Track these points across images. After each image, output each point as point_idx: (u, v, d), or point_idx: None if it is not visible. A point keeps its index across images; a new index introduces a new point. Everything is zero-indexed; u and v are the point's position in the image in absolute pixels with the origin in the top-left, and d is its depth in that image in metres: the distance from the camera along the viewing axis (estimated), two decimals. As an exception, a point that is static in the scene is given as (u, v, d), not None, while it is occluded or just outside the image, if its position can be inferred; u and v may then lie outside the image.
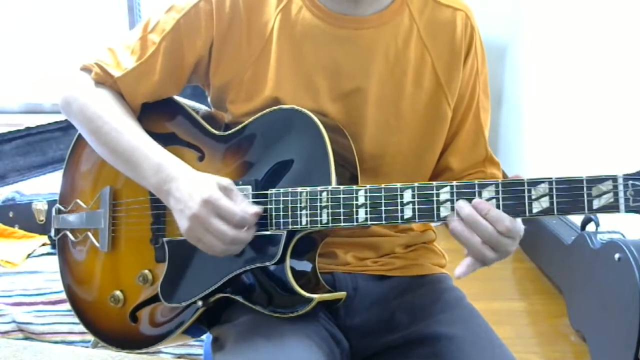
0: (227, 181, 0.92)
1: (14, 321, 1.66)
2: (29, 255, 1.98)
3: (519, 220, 0.86)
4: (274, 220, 0.93)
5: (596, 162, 2.33)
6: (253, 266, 0.94)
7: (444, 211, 0.85)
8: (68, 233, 1.17)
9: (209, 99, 1.11)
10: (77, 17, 3.43)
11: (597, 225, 2.15)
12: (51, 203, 2.13)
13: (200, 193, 0.89)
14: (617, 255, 1.83)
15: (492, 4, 3.30)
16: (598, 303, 1.97)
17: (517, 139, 3.39)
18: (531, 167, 3.16)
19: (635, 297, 1.71)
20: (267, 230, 0.93)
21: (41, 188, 2.25)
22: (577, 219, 2.32)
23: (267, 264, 0.93)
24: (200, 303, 0.99)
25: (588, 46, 2.46)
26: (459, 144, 1.09)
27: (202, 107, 1.12)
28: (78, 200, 1.16)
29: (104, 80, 1.04)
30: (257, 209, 0.91)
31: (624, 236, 2.00)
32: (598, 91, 2.36)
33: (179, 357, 1.57)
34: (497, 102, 3.64)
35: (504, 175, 3.25)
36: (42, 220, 2.15)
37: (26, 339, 1.64)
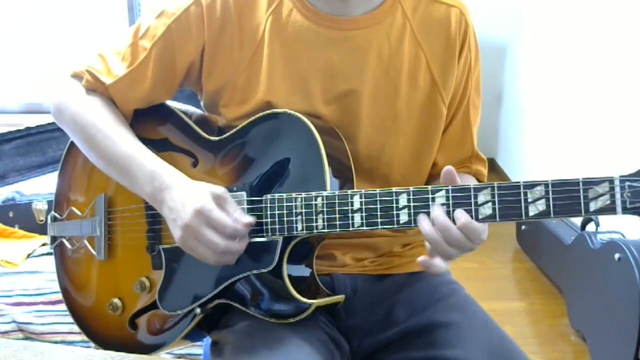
0: (220, 189, 0.92)
1: (14, 321, 1.66)
2: (29, 255, 1.97)
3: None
4: (269, 227, 0.92)
5: (596, 162, 2.33)
6: (250, 273, 0.94)
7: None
8: (64, 241, 1.17)
9: (201, 103, 1.10)
10: (77, 17, 3.43)
11: (597, 225, 2.15)
12: (51, 203, 2.12)
13: (192, 203, 0.89)
14: (617, 255, 1.83)
15: (492, 4, 3.30)
16: (598, 303, 1.97)
17: (517, 139, 3.39)
18: (531, 167, 3.16)
19: (635, 297, 1.71)
20: (263, 236, 0.93)
21: (41, 188, 2.25)
22: (577, 219, 2.32)
23: (264, 270, 0.93)
24: (198, 310, 0.99)
25: (588, 46, 2.45)
26: (446, 140, 1.08)
27: (195, 111, 1.11)
28: (73, 208, 1.15)
29: (95, 87, 1.03)
30: (249, 219, 0.91)
31: (624, 236, 2.00)
32: (598, 91, 2.36)
33: (179, 357, 1.57)
34: (497, 102, 3.64)
35: (504, 175, 3.22)
36: (42, 220, 2.14)
37: (26, 339, 1.64)
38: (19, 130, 2.19)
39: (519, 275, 2.65)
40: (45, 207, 2.14)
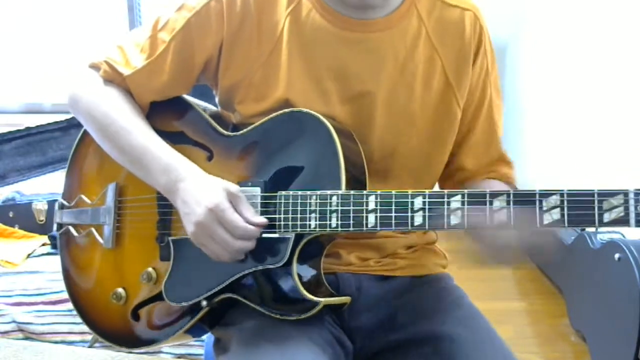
0: (235, 188, 0.92)
1: (14, 321, 1.66)
2: (29, 255, 1.98)
3: None
4: (282, 223, 0.92)
5: (596, 162, 2.33)
6: (259, 268, 0.94)
7: (454, 219, 0.84)
8: (71, 228, 1.16)
9: (216, 99, 1.10)
10: (77, 17, 3.43)
11: (597, 225, 2.15)
12: (51, 203, 2.13)
13: (206, 201, 0.89)
14: (617, 255, 1.83)
15: (492, 4, 3.29)
16: (598, 303, 1.97)
17: (517, 140, 3.38)
18: (531, 167, 3.15)
19: (635, 297, 1.71)
20: (275, 232, 0.93)
21: (41, 188, 2.25)
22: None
23: (274, 266, 0.93)
24: (204, 303, 0.99)
25: (589, 46, 2.46)
26: (473, 144, 1.08)
27: (209, 107, 1.11)
28: (82, 196, 1.15)
29: (113, 78, 1.04)
30: (261, 220, 0.91)
31: (624, 236, 2.00)
32: (598, 92, 2.36)
33: (179, 357, 1.57)
34: (497, 102, 3.63)
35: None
36: (42, 220, 2.15)
37: (26, 339, 1.64)
38: (19, 130, 2.19)
39: (519, 275, 2.65)
40: (46, 207, 2.14)
